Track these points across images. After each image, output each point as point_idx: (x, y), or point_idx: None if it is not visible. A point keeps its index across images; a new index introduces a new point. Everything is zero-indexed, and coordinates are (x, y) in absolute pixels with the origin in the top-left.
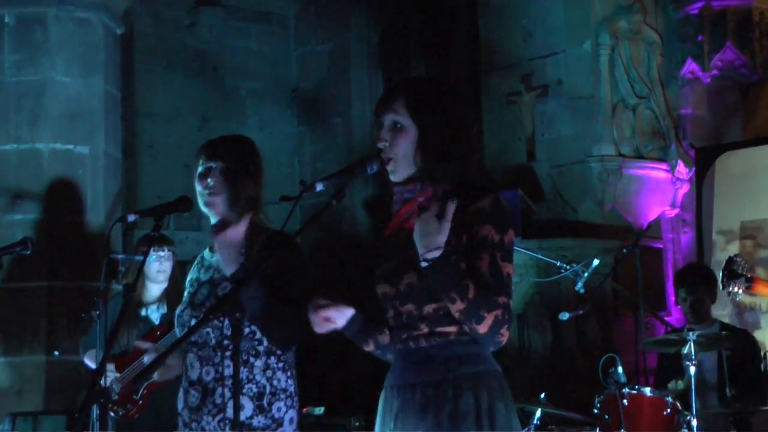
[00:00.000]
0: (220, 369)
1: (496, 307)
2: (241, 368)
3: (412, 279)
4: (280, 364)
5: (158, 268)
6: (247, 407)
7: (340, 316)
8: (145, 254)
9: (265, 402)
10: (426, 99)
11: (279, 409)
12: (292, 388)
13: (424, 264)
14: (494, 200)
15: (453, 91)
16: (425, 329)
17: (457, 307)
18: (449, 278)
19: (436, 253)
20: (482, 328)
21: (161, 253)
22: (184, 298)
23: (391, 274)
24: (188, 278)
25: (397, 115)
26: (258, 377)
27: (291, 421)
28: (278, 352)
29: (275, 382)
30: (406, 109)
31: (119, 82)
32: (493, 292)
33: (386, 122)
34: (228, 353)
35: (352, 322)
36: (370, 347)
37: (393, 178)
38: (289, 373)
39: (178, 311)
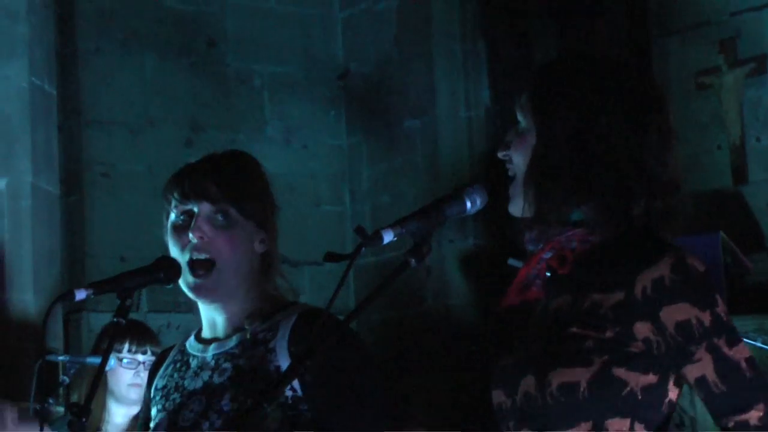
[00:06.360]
0: None
1: None
2: None
3: (530, 386)
4: None
5: (131, 380)
6: None
7: None
8: (105, 354)
9: None
10: (559, 83)
11: None
12: None
13: None
14: (676, 261)
15: (619, 69)
16: None
17: None
18: None
19: None
20: None
21: (139, 357)
22: (154, 418)
23: (509, 374)
24: (153, 387)
25: (522, 111)
26: None
27: None
28: None
29: None
30: (529, 102)
31: (53, 71)
32: (740, 407)
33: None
34: None
35: None
36: None
37: (511, 209)
38: None
39: None
